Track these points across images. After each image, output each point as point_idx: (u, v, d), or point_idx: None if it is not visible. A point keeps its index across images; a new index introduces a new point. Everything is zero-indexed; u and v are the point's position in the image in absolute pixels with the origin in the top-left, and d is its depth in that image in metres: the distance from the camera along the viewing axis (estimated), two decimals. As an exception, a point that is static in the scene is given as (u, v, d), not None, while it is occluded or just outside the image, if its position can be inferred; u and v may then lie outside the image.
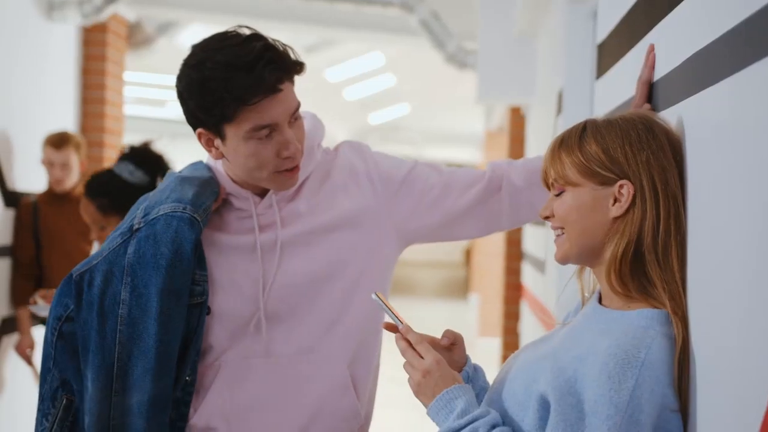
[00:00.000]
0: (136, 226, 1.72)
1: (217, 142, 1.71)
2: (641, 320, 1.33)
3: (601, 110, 2.27)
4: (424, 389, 1.43)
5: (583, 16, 3.58)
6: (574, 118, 3.54)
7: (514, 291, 6.11)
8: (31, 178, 4.60)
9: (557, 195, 1.44)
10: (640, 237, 1.36)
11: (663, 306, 1.34)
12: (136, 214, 1.76)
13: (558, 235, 1.45)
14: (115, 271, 1.70)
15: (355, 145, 1.90)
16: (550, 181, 1.45)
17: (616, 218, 1.38)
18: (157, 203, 1.74)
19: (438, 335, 1.59)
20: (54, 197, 4.33)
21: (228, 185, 1.79)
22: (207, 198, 1.74)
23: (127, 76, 8.78)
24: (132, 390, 1.68)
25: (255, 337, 1.77)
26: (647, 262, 1.36)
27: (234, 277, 1.76)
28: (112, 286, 1.69)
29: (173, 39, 6.34)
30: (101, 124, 5.35)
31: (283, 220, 1.78)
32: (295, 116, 1.69)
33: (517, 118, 5.99)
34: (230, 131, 1.67)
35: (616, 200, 1.38)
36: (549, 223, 1.48)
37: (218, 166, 1.81)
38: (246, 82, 1.62)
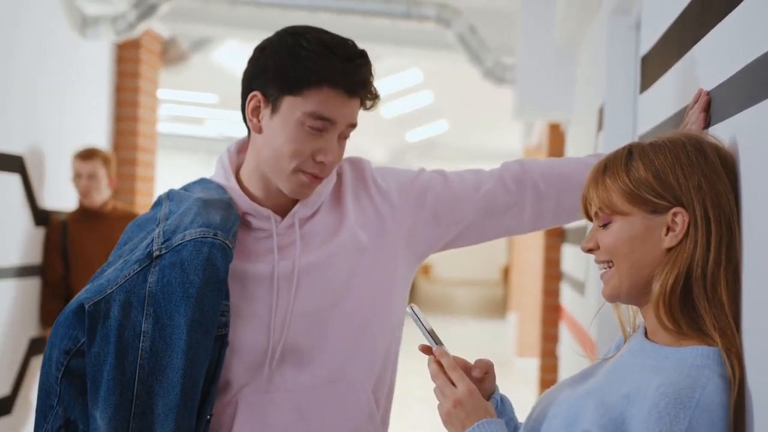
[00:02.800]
0: (157, 253, 1.60)
1: (266, 112, 1.64)
2: (696, 358, 1.23)
3: (644, 126, 2.17)
4: (453, 420, 1.36)
5: (625, 28, 3.47)
6: (615, 134, 3.43)
7: (552, 312, 5.98)
8: (62, 197, 4.57)
9: (603, 226, 1.34)
10: (690, 268, 1.26)
11: (715, 343, 1.24)
12: (151, 238, 1.64)
13: (605, 270, 1.35)
14: (133, 301, 1.57)
15: (355, 164, 1.81)
16: (593, 210, 1.35)
17: (668, 249, 1.28)
18: (179, 228, 1.61)
19: (475, 355, 1.50)
20: (84, 215, 4.30)
21: (245, 204, 1.69)
22: (233, 223, 1.64)
23: (164, 93, 8.83)
24: (152, 431, 1.56)
25: (274, 369, 1.67)
26: (695, 295, 1.26)
27: (254, 306, 1.66)
28: (131, 317, 1.57)
29: (208, 56, 6.31)
30: (134, 142, 5.32)
31: (303, 239, 1.70)
32: (346, 133, 1.67)
33: (556, 135, 5.88)
34: (288, 105, 1.61)
35: (669, 230, 1.29)
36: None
37: (232, 183, 1.72)
38: (339, 66, 1.60)
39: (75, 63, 4.82)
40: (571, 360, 4.77)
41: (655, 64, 2.06)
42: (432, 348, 1.43)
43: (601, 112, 3.67)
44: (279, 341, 1.66)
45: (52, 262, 4.28)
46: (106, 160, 4.30)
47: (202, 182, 1.77)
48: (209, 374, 1.60)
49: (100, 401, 1.56)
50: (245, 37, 6.13)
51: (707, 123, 1.50)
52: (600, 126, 3.70)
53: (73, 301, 1.62)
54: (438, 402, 1.39)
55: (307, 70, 1.59)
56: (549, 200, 1.80)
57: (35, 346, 4.33)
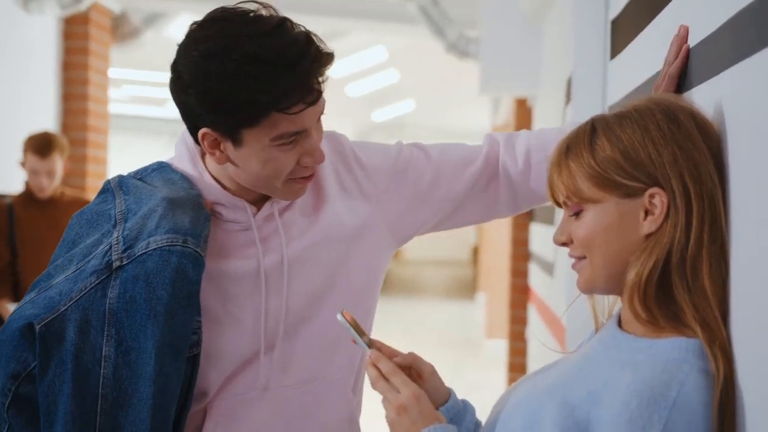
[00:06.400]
0: (117, 263, 1.39)
1: (227, 145, 1.41)
2: (673, 351, 1.11)
3: (615, 95, 2.03)
4: (398, 428, 1.23)
5: (594, -7, 3.31)
6: (584, 106, 3.28)
7: (520, 294, 5.87)
8: (6, 179, 4.35)
9: (573, 215, 1.20)
10: (670, 254, 1.13)
11: (696, 335, 1.11)
12: (108, 244, 1.41)
13: (576, 260, 1.21)
14: (91, 320, 1.37)
15: (332, 141, 1.60)
16: (561, 198, 1.20)
17: (648, 235, 1.14)
18: (142, 233, 1.40)
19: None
20: (31, 200, 4.12)
21: (216, 193, 1.47)
22: (203, 225, 1.43)
23: (121, 73, 8.57)
24: None
25: (249, 371, 1.49)
26: (674, 284, 1.13)
27: (233, 310, 1.47)
28: (90, 339, 1.37)
29: (161, 31, 6.10)
30: (84, 122, 5.13)
31: (284, 229, 1.51)
32: (320, 118, 1.45)
33: (523, 111, 5.76)
34: (251, 136, 1.38)
35: (648, 213, 1.15)
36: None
37: (200, 170, 1.49)
38: (287, 83, 1.34)
39: (18, 39, 4.61)
40: (540, 344, 4.65)
41: (626, 27, 1.93)
42: (366, 352, 1.29)
43: (569, 83, 3.52)
44: (274, 344, 1.48)
45: (-4, 249, 4.08)
46: (62, 150, 4.07)
47: (162, 170, 1.52)
48: (179, 401, 1.41)
49: None
50: (199, 11, 5.91)
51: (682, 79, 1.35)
52: (568, 98, 3.55)
53: (16, 316, 1.40)
54: (385, 411, 1.25)
55: (253, 105, 1.35)
56: (521, 178, 1.63)
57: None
